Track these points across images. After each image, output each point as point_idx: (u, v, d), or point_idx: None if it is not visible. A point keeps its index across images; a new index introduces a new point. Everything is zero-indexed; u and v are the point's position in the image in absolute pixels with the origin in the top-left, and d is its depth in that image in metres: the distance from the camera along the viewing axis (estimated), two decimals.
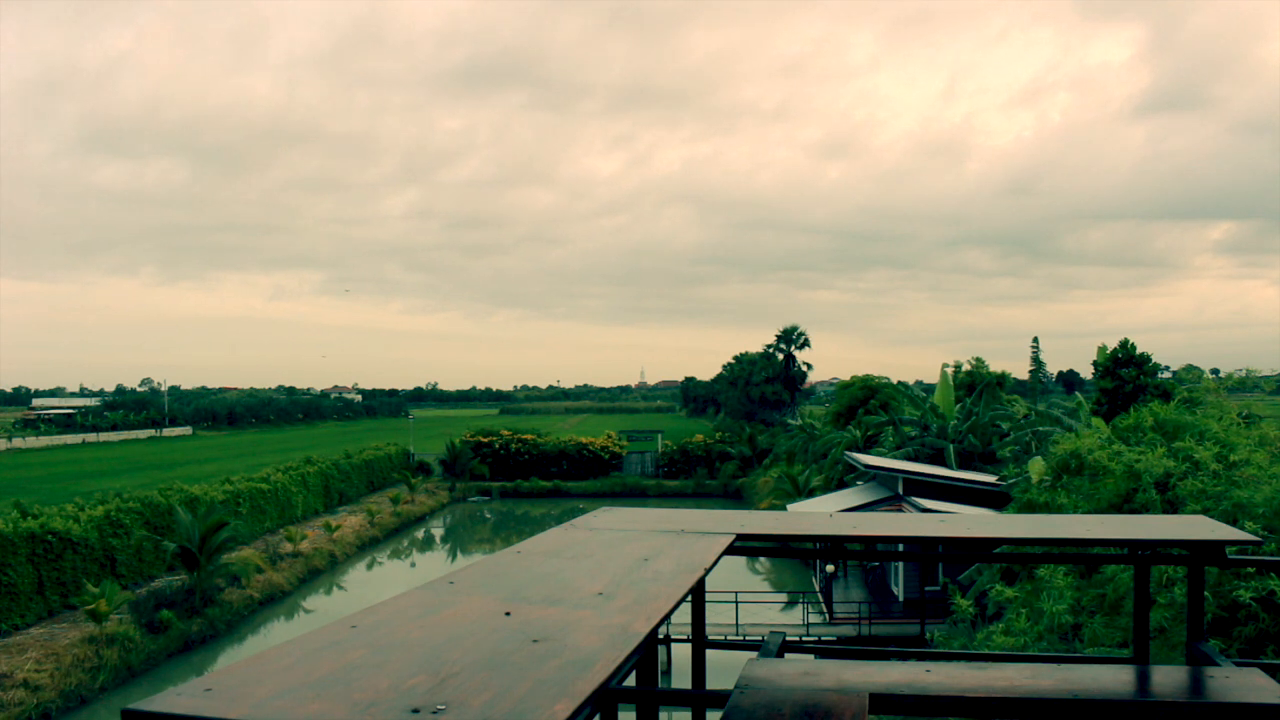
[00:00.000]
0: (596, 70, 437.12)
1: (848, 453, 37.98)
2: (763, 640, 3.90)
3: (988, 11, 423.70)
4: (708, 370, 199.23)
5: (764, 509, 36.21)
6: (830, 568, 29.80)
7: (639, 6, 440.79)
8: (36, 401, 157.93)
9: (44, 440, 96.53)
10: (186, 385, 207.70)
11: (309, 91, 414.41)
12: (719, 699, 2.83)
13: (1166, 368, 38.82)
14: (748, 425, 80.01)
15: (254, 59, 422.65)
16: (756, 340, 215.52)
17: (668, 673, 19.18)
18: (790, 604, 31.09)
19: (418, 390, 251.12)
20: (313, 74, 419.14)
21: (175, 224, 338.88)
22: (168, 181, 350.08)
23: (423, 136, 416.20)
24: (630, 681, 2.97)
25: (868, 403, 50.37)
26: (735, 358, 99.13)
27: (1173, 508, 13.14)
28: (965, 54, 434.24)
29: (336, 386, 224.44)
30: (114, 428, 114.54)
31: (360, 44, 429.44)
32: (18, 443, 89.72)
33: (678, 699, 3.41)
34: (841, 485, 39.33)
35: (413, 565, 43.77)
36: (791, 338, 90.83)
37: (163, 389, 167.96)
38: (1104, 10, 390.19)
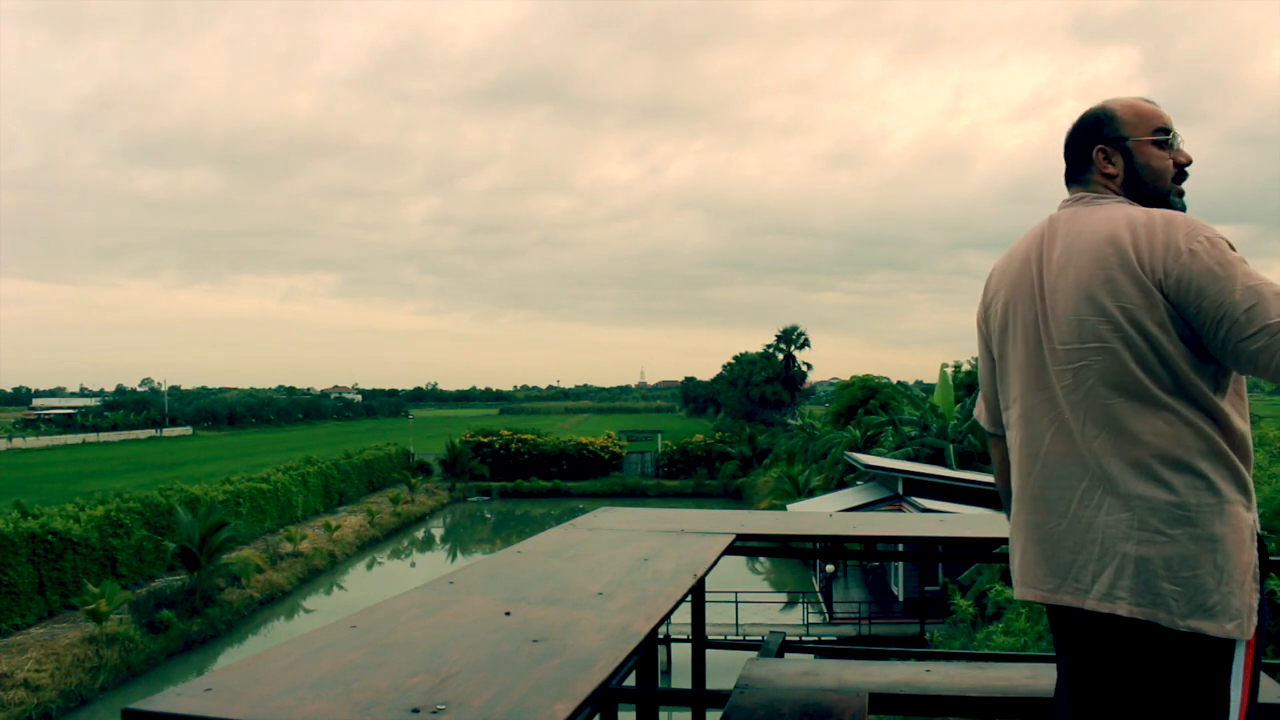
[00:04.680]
0: (619, 87, 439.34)
1: (848, 453, 37.96)
2: (763, 640, 3.89)
3: (986, 40, 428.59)
4: (708, 370, 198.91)
5: (764, 509, 36.19)
6: (830, 568, 29.78)
7: (665, 30, 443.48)
8: (36, 401, 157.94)
9: (44, 440, 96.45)
10: (187, 385, 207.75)
11: (347, 107, 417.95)
12: (719, 699, 2.83)
13: None
14: (748, 425, 79.96)
15: (300, 78, 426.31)
16: (758, 341, 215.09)
17: (668, 673, 19.18)
18: (790, 604, 31.10)
19: (418, 390, 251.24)
20: (352, 91, 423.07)
21: (202, 229, 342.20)
22: (202, 190, 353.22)
23: (448, 148, 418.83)
24: (630, 681, 2.96)
25: (867, 403, 50.31)
26: (735, 358, 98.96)
27: None
28: (968, 74, 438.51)
29: (336, 386, 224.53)
30: (114, 428, 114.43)
31: (402, 64, 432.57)
32: (18, 443, 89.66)
33: (678, 699, 3.41)
34: (841, 485, 39.29)
35: (413, 565, 43.75)
36: (791, 338, 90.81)
37: (163, 389, 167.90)
38: (1097, 35, 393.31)
